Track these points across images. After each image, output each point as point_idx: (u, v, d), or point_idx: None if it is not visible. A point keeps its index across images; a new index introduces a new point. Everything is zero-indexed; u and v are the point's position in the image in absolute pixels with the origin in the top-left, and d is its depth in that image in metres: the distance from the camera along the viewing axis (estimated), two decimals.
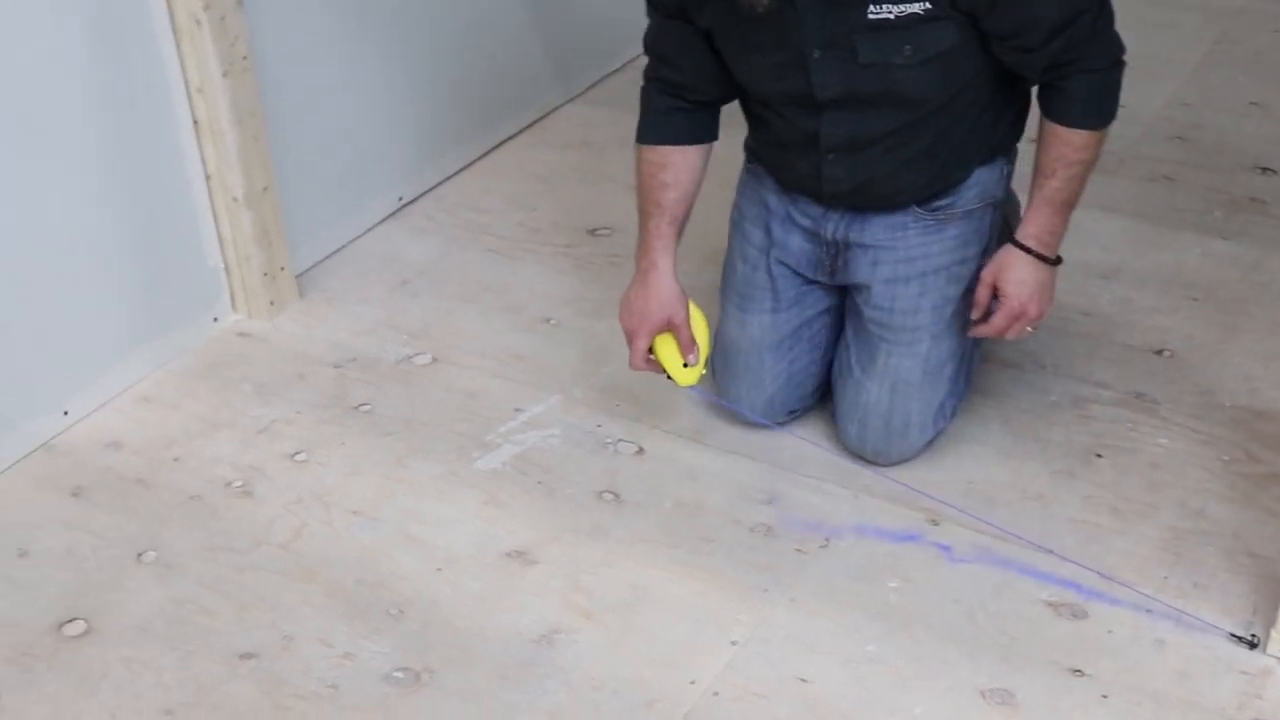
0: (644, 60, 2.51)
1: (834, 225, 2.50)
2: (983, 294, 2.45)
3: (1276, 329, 2.84)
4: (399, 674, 2.20)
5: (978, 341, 2.61)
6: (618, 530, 2.44)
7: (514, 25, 3.52)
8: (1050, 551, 2.34)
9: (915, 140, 2.38)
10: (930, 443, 2.57)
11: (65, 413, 2.73)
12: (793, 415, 2.67)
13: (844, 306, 2.62)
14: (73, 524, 2.52)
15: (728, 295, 2.66)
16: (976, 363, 2.68)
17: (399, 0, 3.20)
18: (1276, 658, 2.15)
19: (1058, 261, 2.43)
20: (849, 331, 2.60)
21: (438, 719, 2.13)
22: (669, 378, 2.50)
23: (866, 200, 2.46)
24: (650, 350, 2.49)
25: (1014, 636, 2.21)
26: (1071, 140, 2.35)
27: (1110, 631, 2.21)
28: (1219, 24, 4.07)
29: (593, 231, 3.23)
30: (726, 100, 2.51)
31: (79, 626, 2.32)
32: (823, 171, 2.44)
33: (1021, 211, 2.47)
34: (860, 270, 2.51)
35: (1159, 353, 2.78)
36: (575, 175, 3.43)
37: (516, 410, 2.72)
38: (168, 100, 2.75)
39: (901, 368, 2.51)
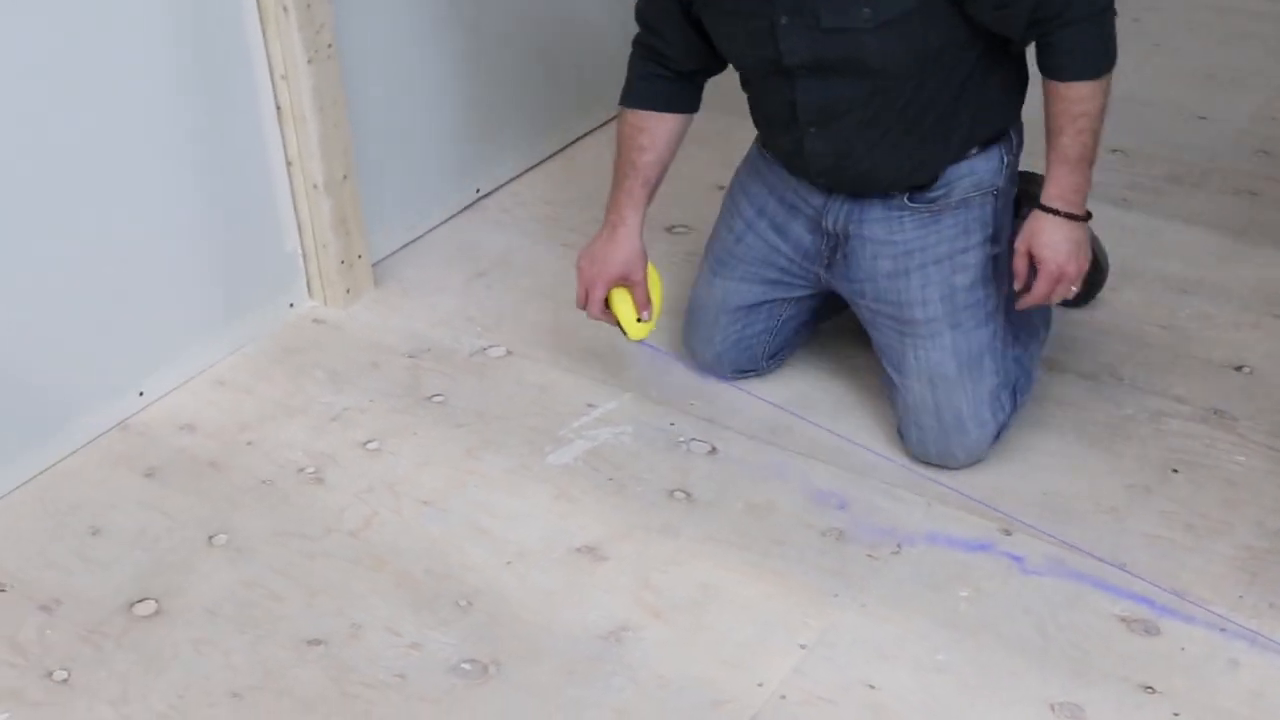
0: None
1: (834, 216, 2.54)
2: (1020, 264, 2.45)
3: None
4: (466, 666, 2.21)
5: (1031, 332, 2.64)
6: (688, 529, 2.44)
7: (595, 22, 3.52)
8: (1123, 567, 2.33)
9: (886, 112, 2.40)
10: (997, 439, 2.55)
11: (140, 393, 2.75)
12: (743, 375, 2.76)
13: (819, 297, 2.70)
14: (146, 504, 2.54)
15: (706, 258, 2.75)
16: (1036, 354, 2.67)
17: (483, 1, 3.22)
18: None
19: (1088, 217, 2.43)
20: (875, 342, 2.62)
21: (504, 713, 2.13)
22: (622, 331, 2.62)
23: (852, 181, 2.50)
24: (606, 303, 2.60)
25: (1085, 650, 2.19)
26: (1070, 94, 2.36)
27: (1183, 649, 2.19)
28: None
29: (669, 229, 3.22)
30: (708, 73, 2.59)
31: (150, 606, 2.34)
32: (804, 147, 2.49)
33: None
34: (860, 265, 2.55)
35: (1238, 369, 2.75)
36: None
37: (589, 406, 2.72)
38: (252, 86, 2.76)
39: (931, 361, 2.51)
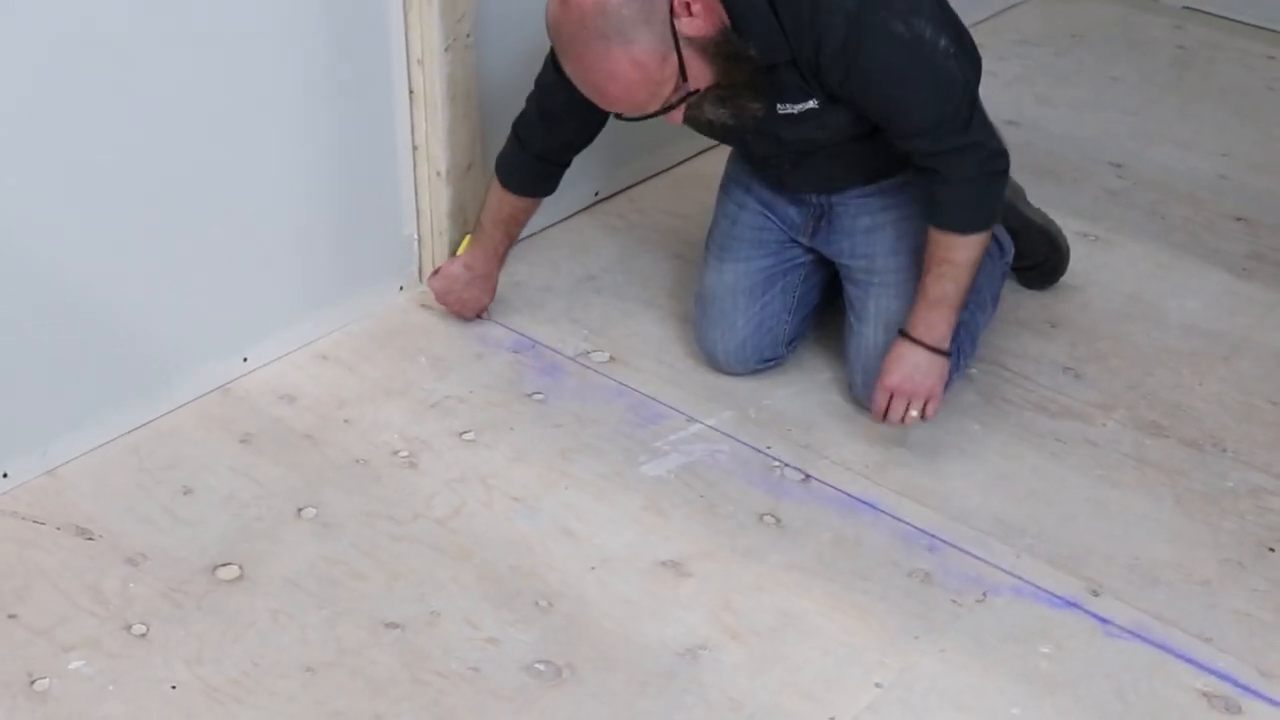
0: None
1: (816, 194, 2.73)
2: (879, 400, 2.57)
3: None
4: (540, 666, 2.21)
5: (979, 304, 2.75)
6: (774, 555, 2.43)
7: None
8: (1210, 641, 2.29)
9: (857, 147, 2.58)
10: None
11: (245, 359, 2.77)
12: (766, 364, 2.83)
13: (822, 268, 2.83)
14: (239, 470, 2.56)
15: (709, 249, 2.86)
16: (981, 325, 2.80)
17: None
18: None
19: (946, 354, 2.56)
20: (846, 297, 2.77)
21: (573, 717, 2.13)
22: None
23: (831, 191, 2.69)
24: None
25: None
26: (936, 238, 2.51)
27: None
28: None
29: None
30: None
31: (232, 571, 2.36)
32: (784, 179, 2.71)
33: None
34: (842, 224, 2.71)
35: None
36: None
37: (688, 420, 2.71)
38: (388, 67, 2.78)
39: (891, 309, 2.66)
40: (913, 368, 2.53)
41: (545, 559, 2.40)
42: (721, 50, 2.32)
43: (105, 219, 2.47)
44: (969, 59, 2.45)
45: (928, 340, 2.52)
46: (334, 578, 2.35)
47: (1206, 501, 2.58)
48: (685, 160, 3.53)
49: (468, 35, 2.79)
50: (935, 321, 2.52)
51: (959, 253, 2.49)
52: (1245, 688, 2.22)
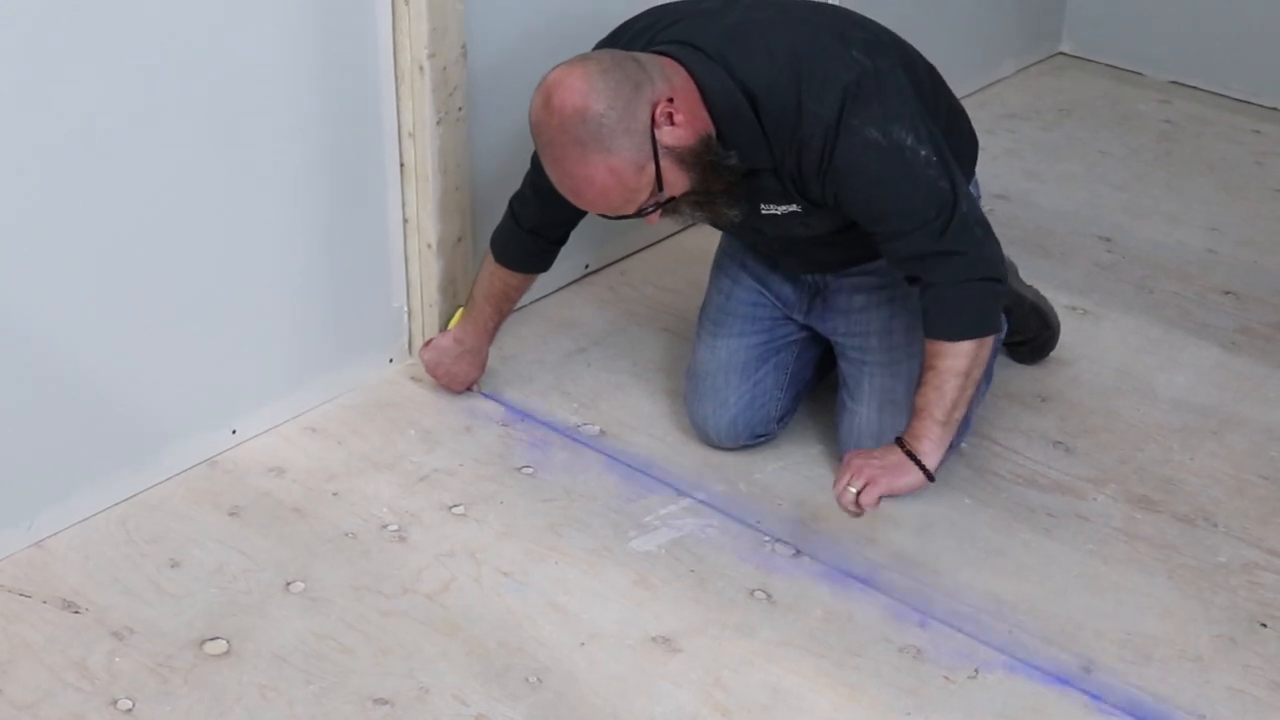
0: None
1: (810, 274, 2.75)
2: (871, 498, 2.46)
3: None
4: None
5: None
6: (765, 630, 2.41)
7: None
8: (1203, 717, 2.28)
9: (844, 238, 2.57)
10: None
11: (234, 431, 2.76)
12: (757, 440, 2.82)
13: (815, 344, 2.84)
14: (227, 542, 2.55)
15: (702, 323, 2.86)
16: (976, 401, 2.70)
17: None
18: None
19: (928, 477, 2.46)
20: (840, 375, 2.78)
21: None
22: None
23: (825, 270, 2.72)
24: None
25: None
26: (927, 345, 2.48)
27: None
28: None
29: None
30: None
31: (220, 646, 2.34)
32: (777, 261, 2.75)
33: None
34: (837, 303, 2.73)
35: None
36: None
37: (678, 494, 2.70)
38: (379, 140, 2.79)
39: (886, 387, 2.68)
40: (883, 467, 2.45)
41: (534, 634, 2.38)
42: (701, 159, 2.33)
43: (94, 292, 2.47)
44: (965, 151, 2.52)
45: (909, 445, 2.47)
46: (322, 653, 2.34)
47: (1198, 576, 2.57)
48: (675, 234, 3.53)
49: (459, 109, 2.80)
50: (917, 430, 2.46)
51: (945, 360, 2.45)
52: None
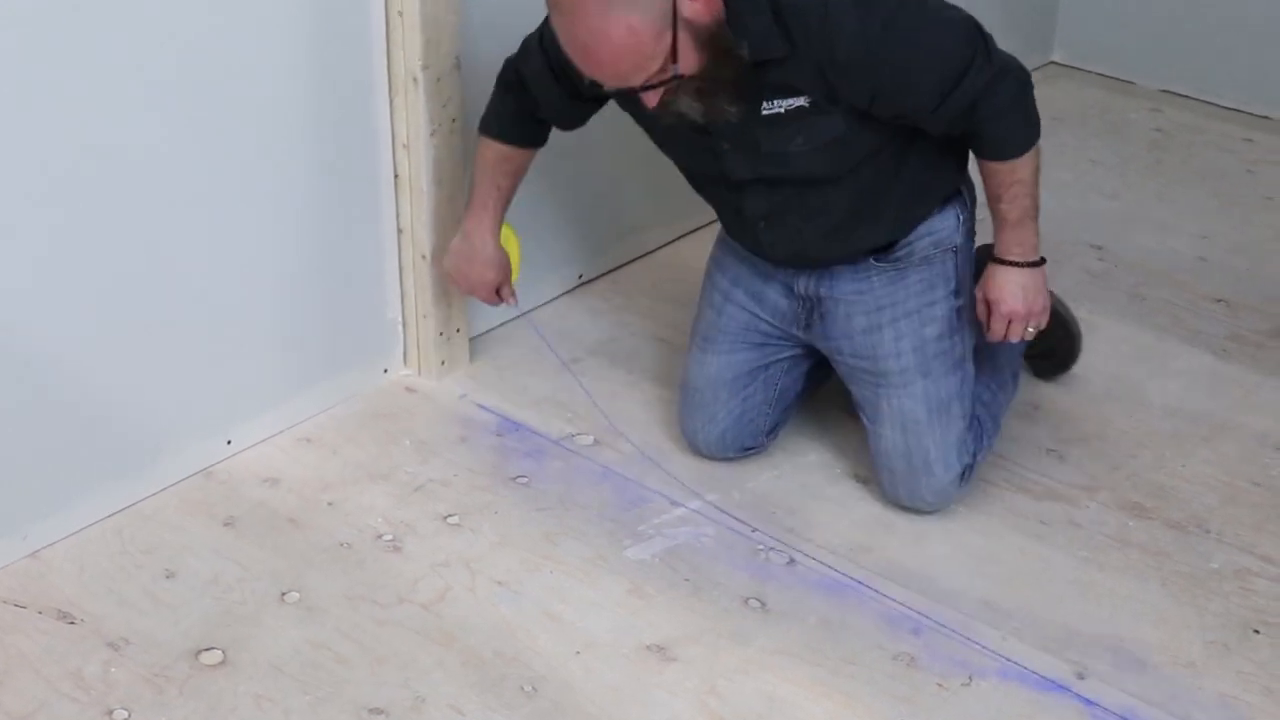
0: None
1: (805, 282, 2.68)
2: (980, 309, 2.62)
3: None
4: None
5: (1000, 383, 2.80)
6: (760, 639, 2.42)
7: None
8: None
9: (830, 210, 2.56)
10: (962, 482, 2.68)
11: (228, 442, 2.77)
12: (746, 452, 2.83)
13: (807, 359, 2.82)
14: (222, 553, 2.56)
15: (693, 339, 2.85)
16: (1005, 405, 2.83)
17: None
18: None
19: (1041, 262, 2.60)
20: (852, 393, 2.75)
21: None
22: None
23: (811, 263, 2.66)
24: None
25: None
26: (1002, 169, 2.52)
27: None
28: None
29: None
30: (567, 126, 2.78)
31: (215, 656, 2.34)
32: (760, 238, 2.65)
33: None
34: (836, 323, 2.69)
35: None
36: None
37: (673, 504, 2.71)
38: (374, 151, 2.80)
39: (904, 409, 2.65)
40: (1022, 290, 2.57)
41: (530, 644, 2.39)
42: (714, 42, 2.28)
43: (88, 302, 2.48)
44: None
45: (1023, 259, 2.55)
46: (317, 662, 2.34)
47: (1191, 583, 2.58)
48: (668, 244, 3.55)
49: (453, 120, 2.81)
50: (1024, 238, 2.54)
51: (1023, 170, 2.50)
52: None
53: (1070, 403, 3.01)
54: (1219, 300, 3.42)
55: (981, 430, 2.72)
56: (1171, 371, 3.15)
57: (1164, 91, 4.46)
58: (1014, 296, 2.57)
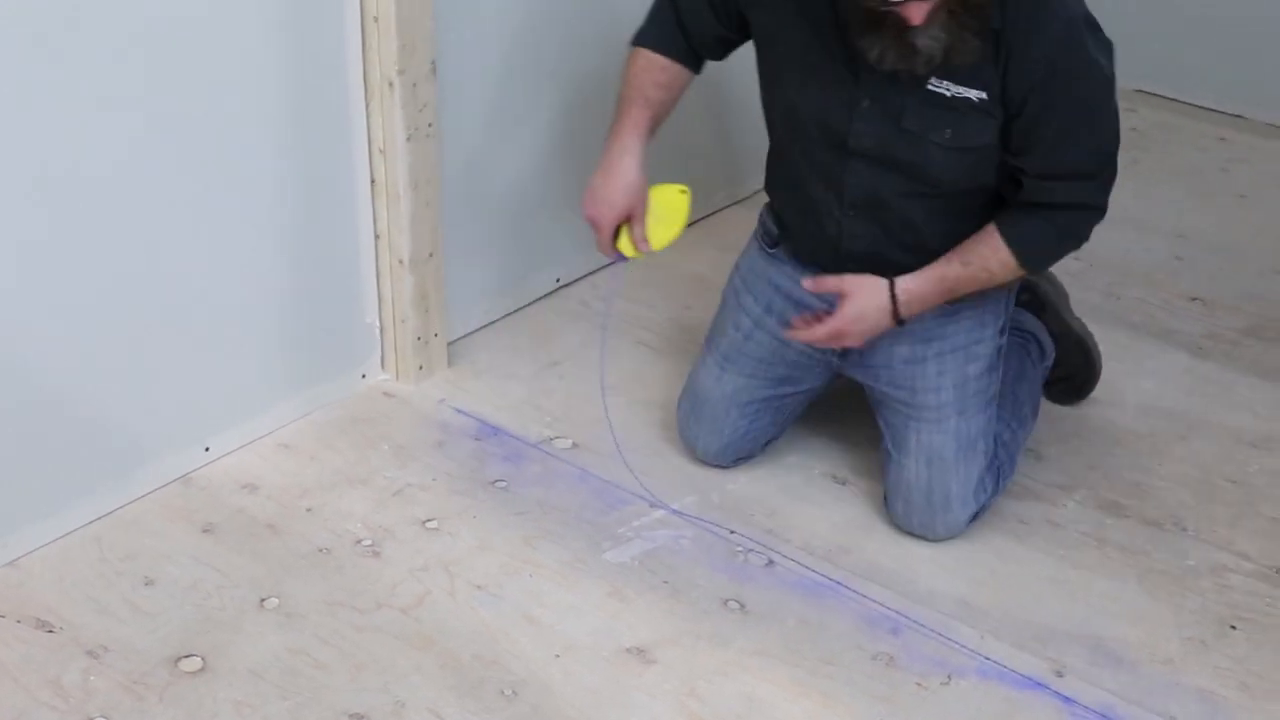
0: None
1: (864, 268, 2.56)
2: (830, 284, 2.52)
3: None
4: None
5: (1020, 420, 2.75)
6: (739, 640, 2.42)
7: (686, 126, 3.53)
8: (1173, 719, 2.30)
9: (931, 220, 2.50)
10: (974, 519, 2.65)
11: (207, 449, 2.76)
12: (741, 462, 2.81)
13: (827, 387, 2.78)
14: (201, 560, 2.55)
15: (711, 350, 2.80)
16: (1022, 442, 2.78)
17: (579, 93, 3.23)
18: None
19: (901, 321, 2.52)
20: (879, 418, 2.71)
21: None
22: (623, 257, 2.61)
23: (877, 269, 2.53)
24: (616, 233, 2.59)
25: None
26: (997, 249, 2.45)
27: None
28: None
29: None
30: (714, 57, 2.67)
31: (195, 663, 2.34)
32: (841, 225, 2.55)
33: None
34: (878, 352, 2.62)
35: None
36: None
37: (651, 506, 2.71)
38: (350, 157, 2.79)
39: (934, 444, 2.61)
40: (871, 328, 2.51)
41: (509, 647, 2.39)
42: None
43: (65, 310, 2.47)
44: None
45: (905, 311, 2.49)
46: (297, 668, 2.34)
47: (1168, 580, 2.59)
48: None
49: (429, 125, 2.80)
50: (929, 300, 2.49)
51: (1002, 271, 2.46)
52: None
53: (1046, 402, 3.02)
54: (1195, 299, 3.44)
55: (999, 470, 2.68)
56: (1147, 370, 3.16)
57: (1139, 91, 4.48)
58: (860, 330, 2.51)
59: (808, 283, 2.53)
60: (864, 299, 2.49)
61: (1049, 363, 2.91)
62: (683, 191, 2.59)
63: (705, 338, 2.85)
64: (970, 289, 2.49)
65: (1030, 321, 2.90)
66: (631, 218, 2.56)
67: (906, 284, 2.48)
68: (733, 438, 2.77)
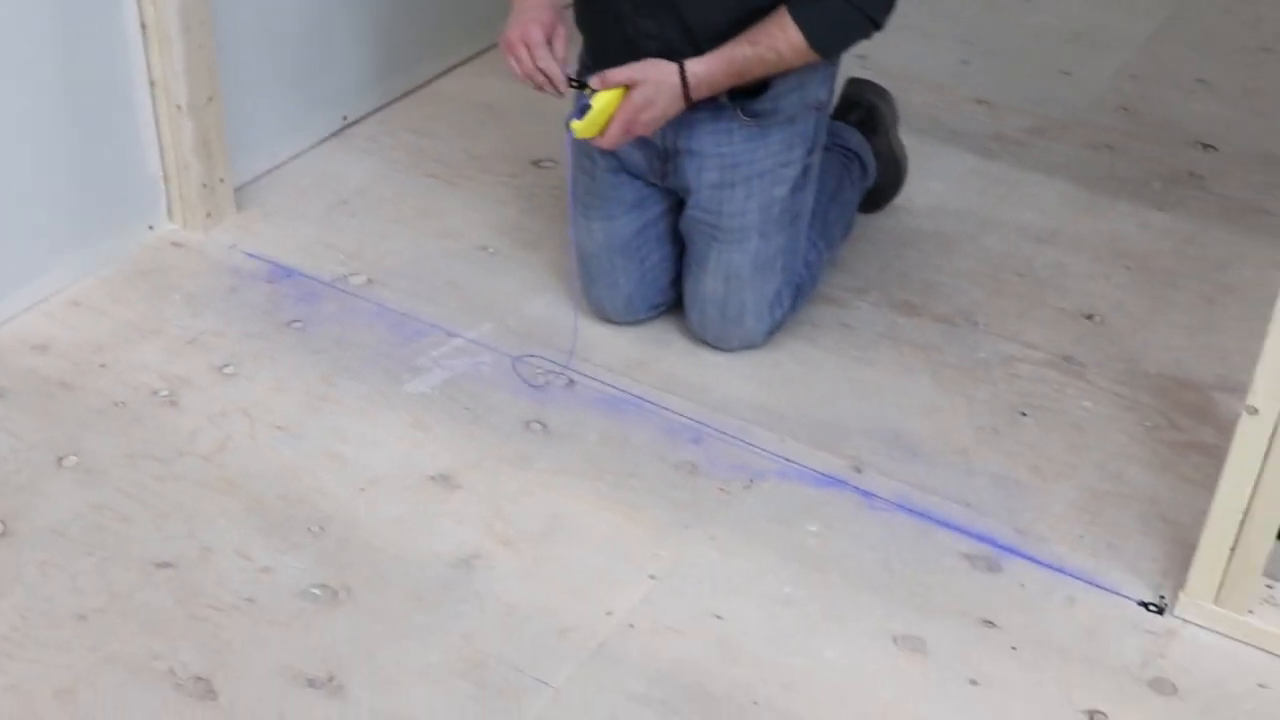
0: None
1: (663, 133, 2.57)
2: (620, 74, 2.43)
3: (1204, 302, 2.86)
4: (316, 590, 2.20)
5: (830, 239, 2.78)
6: (541, 460, 2.44)
7: None
8: (968, 506, 2.37)
9: (724, 14, 2.44)
10: (771, 333, 2.69)
11: None
12: (656, 310, 2.78)
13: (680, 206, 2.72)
14: None
15: (575, 204, 2.76)
16: (829, 260, 2.81)
17: None
18: (1182, 619, 2.19)
19: (690, 104, 2.46)
20: (685, 231, 2.71)
21: (352, 637, 2.13)
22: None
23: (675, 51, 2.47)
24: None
25: (928, 586, 2.24)
26: (785, 28, 2.41)
27: (1023, 586, 2.24)
28: (1171, 1, 4.08)
29: (536, 163, 3.22)
30: None
31: None
32: (638, 27, 2.50)
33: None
34: (688, 175, 2.62)
35: (1089, 317, 2.80)
36: (523, 106, 3.38)
37: (448, 335, 2.71)
38: (118, 3, 2.71)
39: (733, 263, 2.63)
40: (662, 113, 2.45)
41: (314, 485, 2.39)
42: None
43: None
44: None
45: (691, 85, 2.43)
46: (100, 523, 2.32)
47: (960, 373, 2.65)
48: (432, 80, 3.51)
49: None
50: (718, 83, 2.45)
51: (792, 55, 2.42)
52: (1004, 547, 2.30)
53: None
54: (980, 101, 3.49)
55: (799, 288, 2.71)
56: (936, 172, 3.21)
57: None
58: (651, 104, 2.43)
59: (594, 79, 2.48)
60: (652, 85, 2.43)
61: (869, 183, 2.93)
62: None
63: (568, 192, 2.76)
64: (760, 71, 2.46)
65: (856, 140, 2.91)
66: (552, 39, 2.49)
67: (694, 66, 2.45)
68: (631, 285, 2.72)
